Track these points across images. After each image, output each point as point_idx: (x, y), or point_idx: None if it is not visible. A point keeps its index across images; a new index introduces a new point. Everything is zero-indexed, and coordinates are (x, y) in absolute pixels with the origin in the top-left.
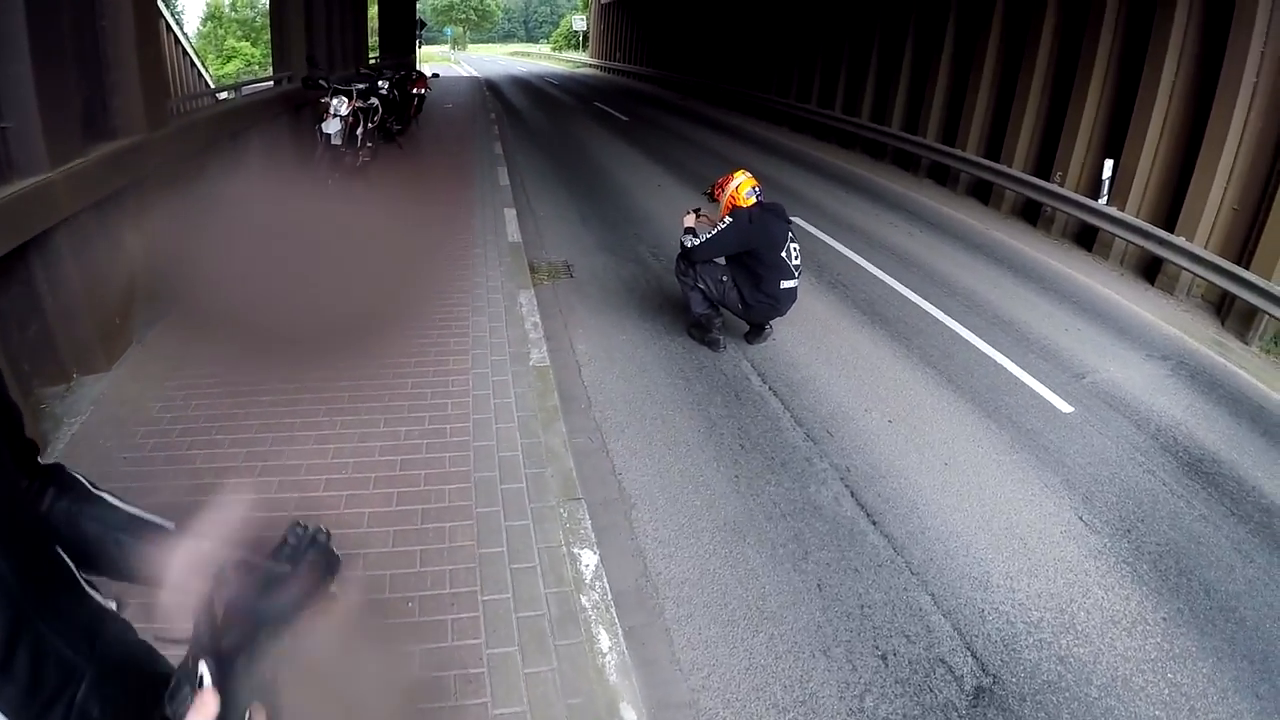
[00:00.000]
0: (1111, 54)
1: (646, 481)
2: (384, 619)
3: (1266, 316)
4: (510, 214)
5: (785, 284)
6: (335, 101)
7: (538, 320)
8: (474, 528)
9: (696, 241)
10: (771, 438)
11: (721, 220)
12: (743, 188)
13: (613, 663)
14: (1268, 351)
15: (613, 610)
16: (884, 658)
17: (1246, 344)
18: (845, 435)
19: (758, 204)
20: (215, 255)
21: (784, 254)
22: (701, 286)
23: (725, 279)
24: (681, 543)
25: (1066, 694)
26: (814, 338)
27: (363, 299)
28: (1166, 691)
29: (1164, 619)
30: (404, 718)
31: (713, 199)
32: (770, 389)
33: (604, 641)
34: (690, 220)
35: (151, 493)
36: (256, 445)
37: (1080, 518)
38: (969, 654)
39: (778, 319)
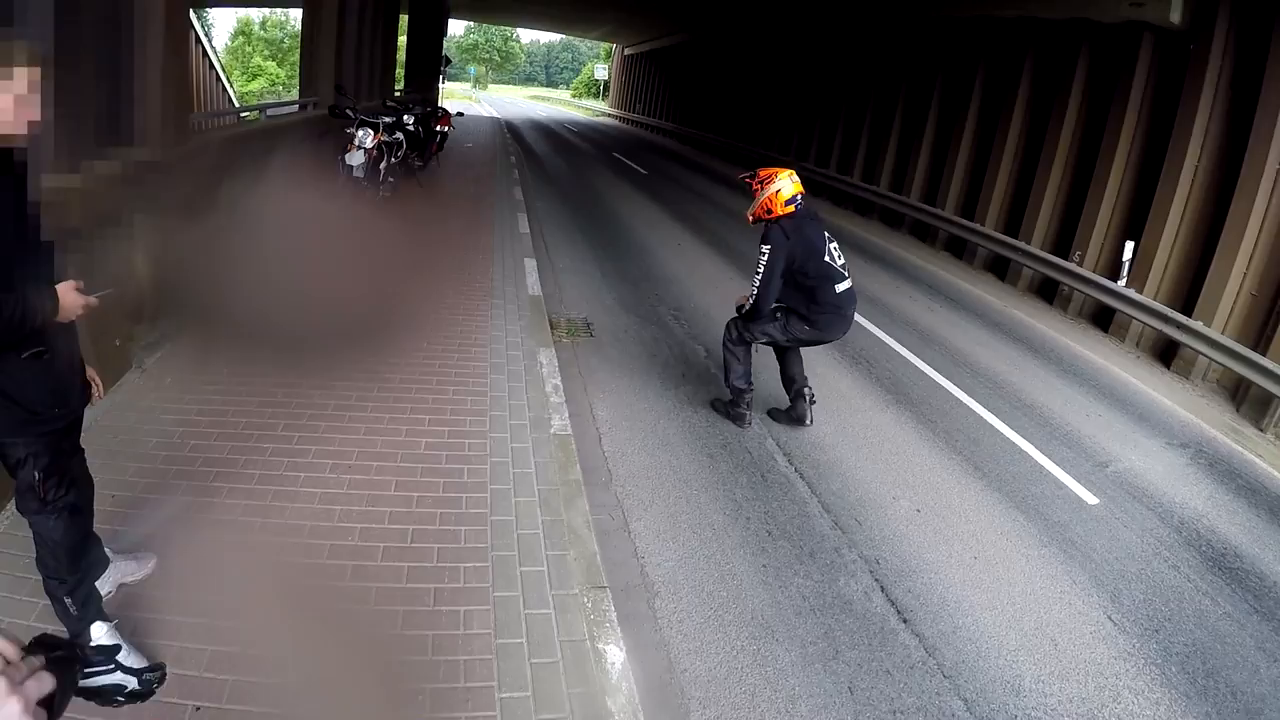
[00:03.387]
0: (1135, 135)
1: (671, 567)
2: (393, 709)
3: None
4: (530, 264)
5: (840, 287)
6: (361, 133)
7: (559, 382)
8: (491, 614)
9: (752, 298)
10: (799, 524)
11: (752, 221)
12: (784, 195)
13: None
14: None
15: (640, 716)
16: None
17: (1262, 431)
18: (874, 524)
19: (791, 214)
20: (226, 284)
21: (827, 258)
22: (765, 340)
23: (779, 316)
24: (708, 637)
25: None
26: (839, 416)
27: (379, 346)
28: None
29: None
30: None
31: (749, 192)
32: (797, 471)
33: None
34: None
35: (135, 540)
36: (255, 498)
37: (1109, 617)
38: None
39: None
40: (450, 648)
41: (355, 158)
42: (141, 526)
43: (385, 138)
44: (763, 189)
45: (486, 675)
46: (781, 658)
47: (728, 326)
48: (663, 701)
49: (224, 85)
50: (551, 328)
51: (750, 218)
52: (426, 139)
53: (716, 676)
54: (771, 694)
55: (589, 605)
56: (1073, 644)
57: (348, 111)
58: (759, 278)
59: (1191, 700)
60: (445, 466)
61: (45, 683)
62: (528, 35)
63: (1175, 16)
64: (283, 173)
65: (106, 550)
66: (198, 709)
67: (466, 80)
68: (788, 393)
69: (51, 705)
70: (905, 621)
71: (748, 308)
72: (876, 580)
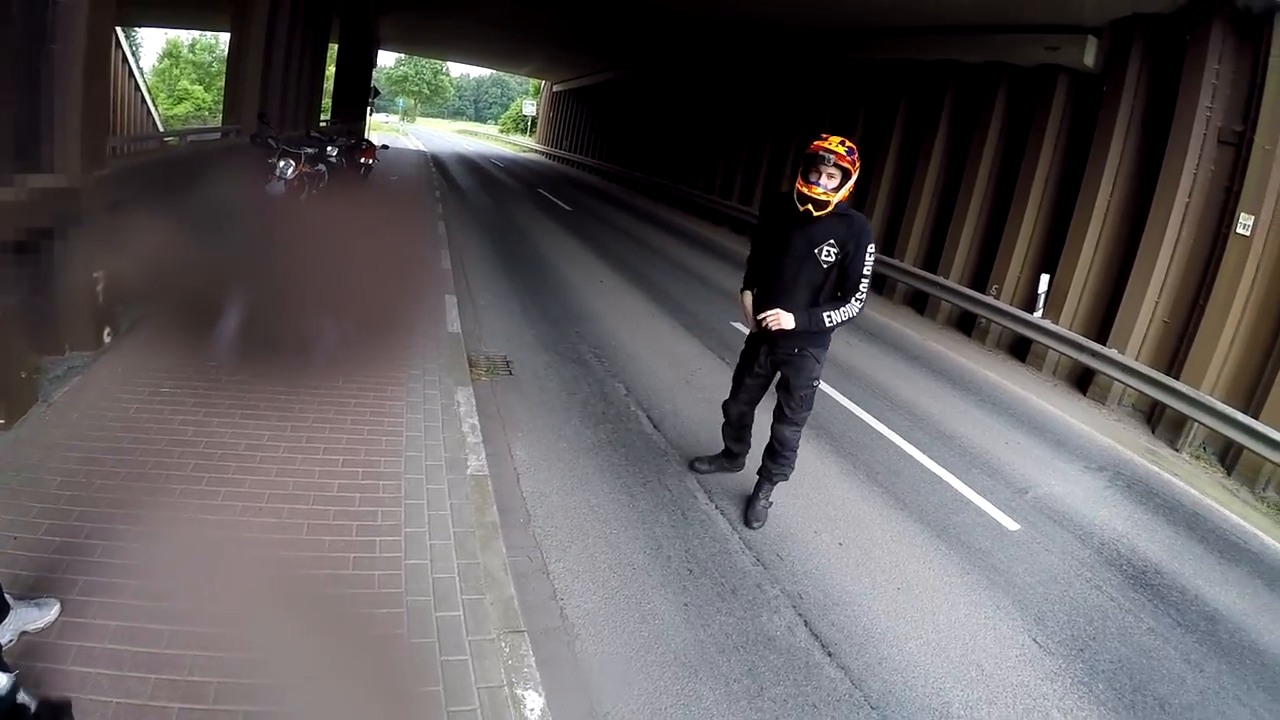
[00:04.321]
0: (1050, 172)
1: (591, 609)
2: None
3: (1196, 424)
4: (451, 300)
5: None
6: (282, 164)
7: (476, 422)
8: (408, 662)
9: (860, 303)
10: (720, 561)
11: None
12: None
13: None
14: (1197, 458)
15: None
16: None
17: (1177, 451)
18: (795, 559)
19: None
20: (139, 315)
21: None
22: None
23: (816, 343)
24: (630, 678)
25: None
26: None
27: (293, 383)
28: None
29: None
30: None
31: (839, 167)
32: (716, 508)
33: None
34: (787, 320)
35: (38, 584)
36: (161, 541)
37: (1035, 639)
38: None
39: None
40: (364, 699)
41: (275, 188)
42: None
43: (307, 169)
44: (856, 166)
45: None
46: (706, 697)
47: (789, 422)
48: None
49: (149, 108)
50: (470, 366)
51: (835, 203)
52: (350, 172)
53: (640, 719)
54: None
55: (507, 650)
56: (999, 668)
57: (269, 141)
58: (866, 282)
59: (1120, 715)
60: (358, 509)
61: None
62: (458, 69)
63: (1089, 60)
64: (203, 201)
65: (6, 596)
66: None
67: (395, 112)
68: (739, 441)
69: None
70: (830, 655)
71: (845, 318)
72: (800, 615)
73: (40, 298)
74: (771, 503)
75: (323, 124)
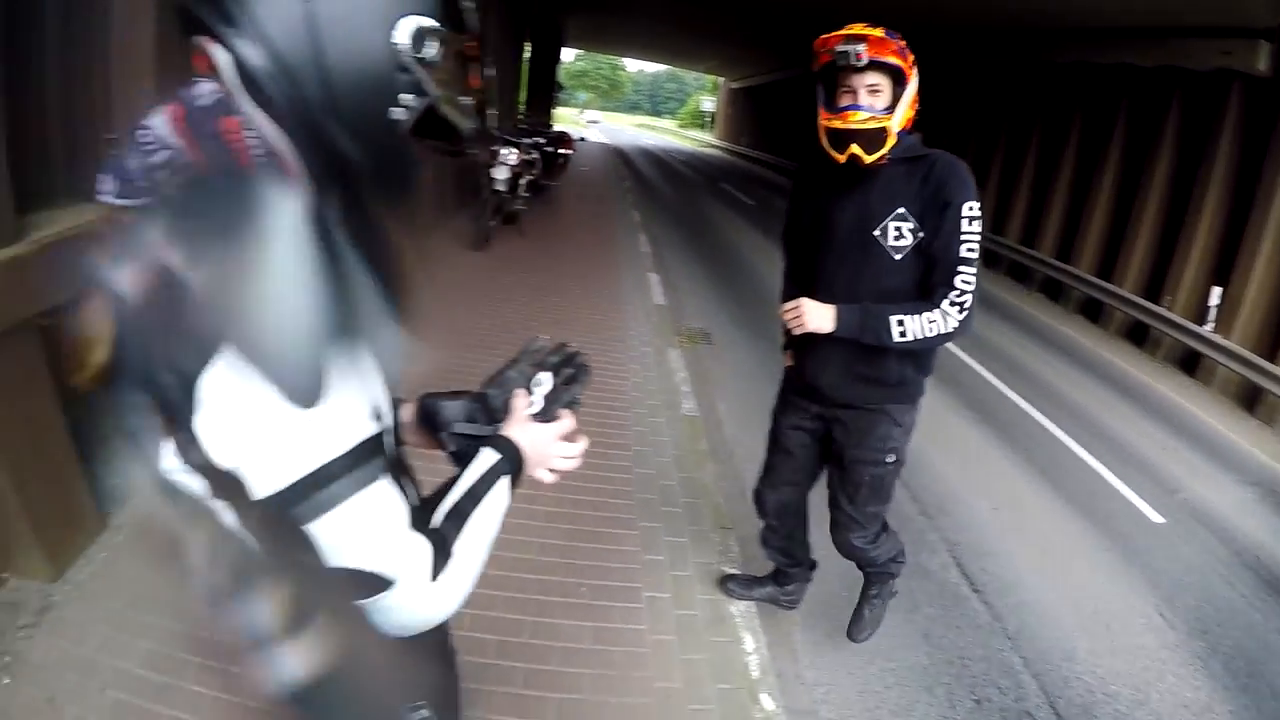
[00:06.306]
0: (1225, 183)
1: None
2: (564, 598)
3: None
4: (654, 279)
5: None
6: (505, 151)
7: (686, 376)
8: (639, 537)
9: (960, 292)
10: (892, 508)
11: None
12: None
13: (755, 661)
14: None
15: (756, 620)
16: (978, 702)
17: None
18: (955, 514)
19: None
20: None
21: None
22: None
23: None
24: (811, 584)
25: None
26: (928, 430)
27: (528, 334)
28: None
29: (1230, 712)
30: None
31: (884, 67)
32: None
33: (749, 643)
34: (817, 316)
35: None
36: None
37: (1161, 614)
38: (1052, 711)
39: None
40: (605, 557)
41: (501, 173)
42: None
43: (525, 156)
44: (912, 65)
45: (635, 579)
46: None
47: (851, 525)
48: (773, 622)
49: None
50: (674, 334)
51: (898, 131)
52: (552, 160)
53: (815, 609)
54: None
55: (717, 540)
56: (1125, 630)
57: (492, 132)
58: (970, 271)
59: (1232, 693)
60: (592, 430)
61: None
62: (633, 64)
63: (1261, 64)
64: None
65: None
66: None
67: (575, 105)
68: (788, 555)
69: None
70: (976, 592)
71: (934, 333)
72: (953, 557)
73: None
74: (895, 591)
75: (520, 118)
